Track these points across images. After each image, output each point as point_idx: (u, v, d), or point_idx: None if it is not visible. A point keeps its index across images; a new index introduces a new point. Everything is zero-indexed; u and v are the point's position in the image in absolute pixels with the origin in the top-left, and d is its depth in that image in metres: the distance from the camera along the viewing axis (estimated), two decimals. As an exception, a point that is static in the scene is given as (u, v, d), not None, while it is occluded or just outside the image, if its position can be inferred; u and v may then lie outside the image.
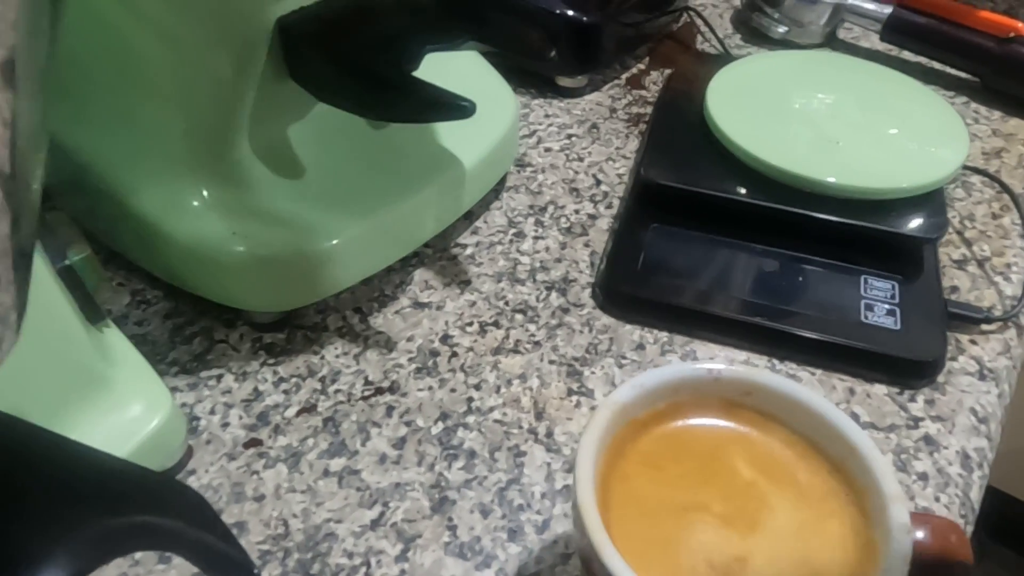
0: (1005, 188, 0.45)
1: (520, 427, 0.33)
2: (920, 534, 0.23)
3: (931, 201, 0.39)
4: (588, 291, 0.39)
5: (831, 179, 0.39)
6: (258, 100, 0.35)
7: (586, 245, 0.42)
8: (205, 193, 0.34)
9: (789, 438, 0.25)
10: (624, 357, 0.36)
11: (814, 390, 0.24)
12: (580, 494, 0.22)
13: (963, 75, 0.54)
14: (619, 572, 0.21)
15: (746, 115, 0.43)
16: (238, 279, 0.34)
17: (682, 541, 0.23)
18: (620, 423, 0.24)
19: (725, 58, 0.52)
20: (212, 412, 0.34)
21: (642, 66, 0.55)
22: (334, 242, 0.34)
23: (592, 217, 0.43)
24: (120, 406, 0.29)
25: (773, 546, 0.22)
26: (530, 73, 0.52)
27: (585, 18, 0.49)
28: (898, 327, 0.36)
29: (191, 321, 0.37)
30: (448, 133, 0.40)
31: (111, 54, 0.33)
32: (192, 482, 0.31)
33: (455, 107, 0.29)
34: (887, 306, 0.36)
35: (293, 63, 0.34)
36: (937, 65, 0.55)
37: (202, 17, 0.32)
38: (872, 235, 0.38)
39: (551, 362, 0.36)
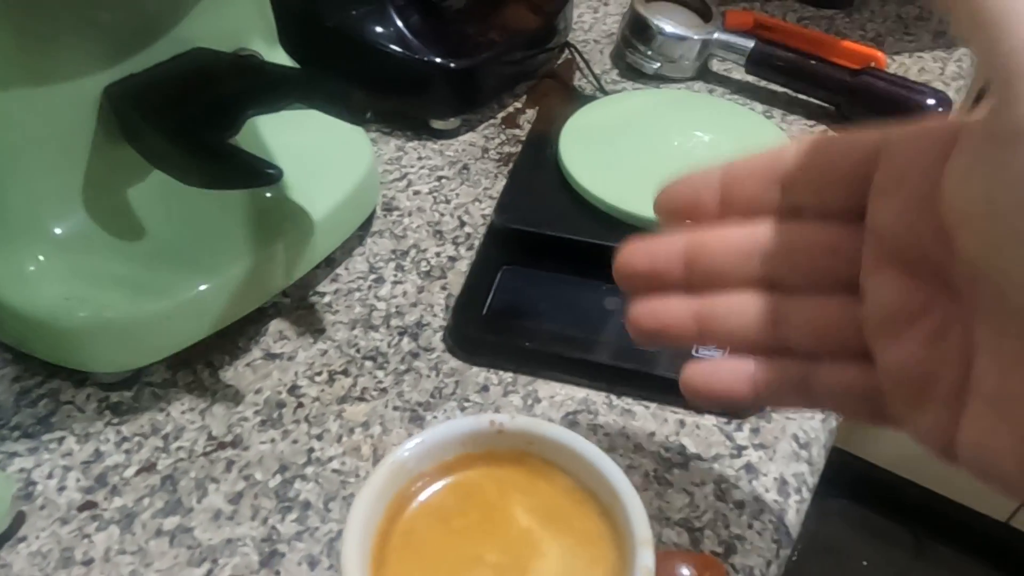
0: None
1: (358, 475, 0.34)
2: (684, 571, 0.24)
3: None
4: (440, 335, 0.40)
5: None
6: (93, 164, 0.36)
7: (443, 288, 0.43)
8: (41, 258, 0.35)
9: (569, 485, 0.26)
10: (468, 400, 0.37)
11: (586, 438, 0.26)
12: (343, 555, 0.23)
13: (823, 104, 0.57)
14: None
15: (595, 156, 0.44)
16: (76, 344, 0.35)
17: (455, 593, 0.24)
18: (402, 479, 0.25)
19: (595, 96, 0.54)
20: (50, 476, 0.34)
21: (519, 104, 0.57)
22: (172, 302, 0.35)
23: (452, 259, 0.44)
24: (-65, 480, 0.29)
25: (537, 593, 0.24)
26: (405, 116, 0.53)
27: (453, 64, 0.51)
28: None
29: (39, 383, 0.37)
30: (300, 185, 0.41)
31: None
32: (22, 549, 0.31)
33: (262, 175, 0.30)
34: (717, 339, 0.38)
35: (125, 128, 0.35)
36: (803, 96, 0.57)
37: (25, 86, 0.32)
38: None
39: (395, 408, 0.37)
